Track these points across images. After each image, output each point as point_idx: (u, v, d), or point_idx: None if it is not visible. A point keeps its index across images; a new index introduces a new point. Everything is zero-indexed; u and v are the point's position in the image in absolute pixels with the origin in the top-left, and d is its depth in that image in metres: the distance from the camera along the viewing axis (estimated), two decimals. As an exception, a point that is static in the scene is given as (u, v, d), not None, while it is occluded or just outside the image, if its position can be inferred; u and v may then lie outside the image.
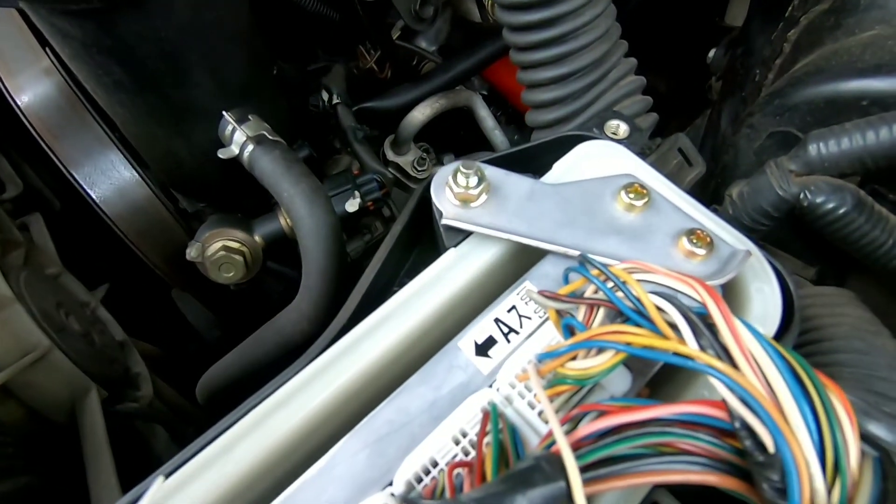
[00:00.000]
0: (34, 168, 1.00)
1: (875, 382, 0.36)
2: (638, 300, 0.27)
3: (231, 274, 0.63)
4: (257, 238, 0.64)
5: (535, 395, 0.28)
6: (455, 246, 0.35)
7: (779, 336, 0.33)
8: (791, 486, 0.21)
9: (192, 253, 0.62)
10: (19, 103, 0.59)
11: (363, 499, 0.26)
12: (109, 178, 0.60)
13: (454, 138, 0.93)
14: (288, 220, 0.65)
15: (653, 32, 0.99)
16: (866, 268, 0.46)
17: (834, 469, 0.21)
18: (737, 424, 0.23)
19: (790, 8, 0.57)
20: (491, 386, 0.29)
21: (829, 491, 0.21)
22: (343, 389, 0.31)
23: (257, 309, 0.74)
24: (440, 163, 0.88)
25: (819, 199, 0.36)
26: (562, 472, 0.21)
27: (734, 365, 0.24)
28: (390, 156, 0.84)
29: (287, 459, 0.30)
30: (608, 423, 0.23)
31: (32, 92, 0.59)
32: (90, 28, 0.41)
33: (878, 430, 0.30)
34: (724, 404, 0.24)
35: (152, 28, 0.43)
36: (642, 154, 0.42)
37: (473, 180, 0.34)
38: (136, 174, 0.61)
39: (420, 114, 0.79)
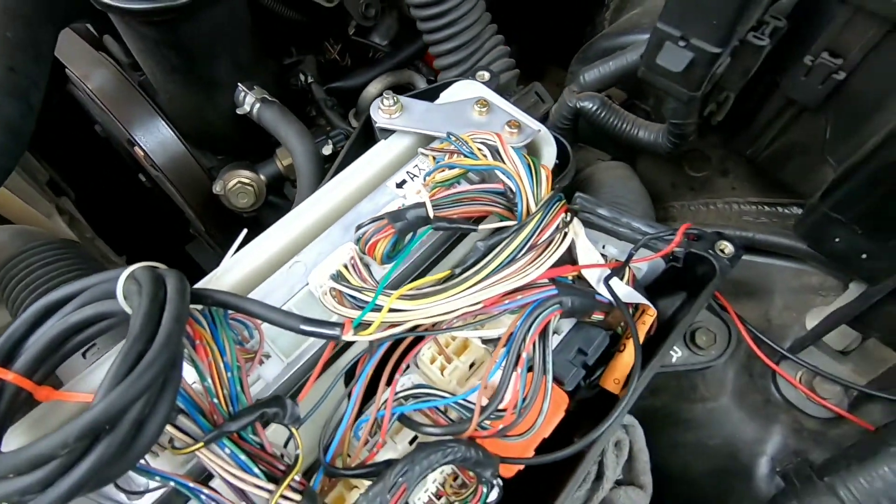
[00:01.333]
0: (51, 164, 1.25)
1: (619, 204, 0.66)
2: (468, 144, 0.55)
3: (245, 201, 0.90)
4: (262, 176, 0.91)
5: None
6: (385, 139, 0.63)
7: (557, 172, 0.62)
8: (519, 202, 0.49)
9: (216, 187, 0.89)
10: (90, 87, 0.85)
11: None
12: (156, 138, 0.87)
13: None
14: (283, 163, 0.92)
15: (545, 23, 1.29)
16: (647, 156, 0.76)
17: (535, 196, 0.50)
18: (504, 186, 0.51)
19: (606, -2, 0.87)
20: (404, 197, 0.57)
21: (531, 206, 0.50)
22: (325, 212, 0.58)
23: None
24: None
25: (583, 104, 0.66)
26: (424, 205, 0.49)
27: (504, 163, 0.52)
28: (353, 123, 1.11)
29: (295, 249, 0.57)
30: (447, 192, 0.52)
31: (97, 80, 0.86)
32: (162, 30, 0.68)
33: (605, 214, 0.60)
34: (503, 183, 0.52)
35: (199, 29, 0.70)
36: (498, 90, 0.71)
37: (391, 101, 0.62)
38: (175, 135, 0.88)
39: (373, 88, 1.07)
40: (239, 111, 0.79)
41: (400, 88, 1.14)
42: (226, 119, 0.84)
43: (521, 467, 0.46)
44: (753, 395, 0.59)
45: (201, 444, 0.36)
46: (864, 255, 0.45)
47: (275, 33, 1.10)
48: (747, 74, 0.45)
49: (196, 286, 0.52)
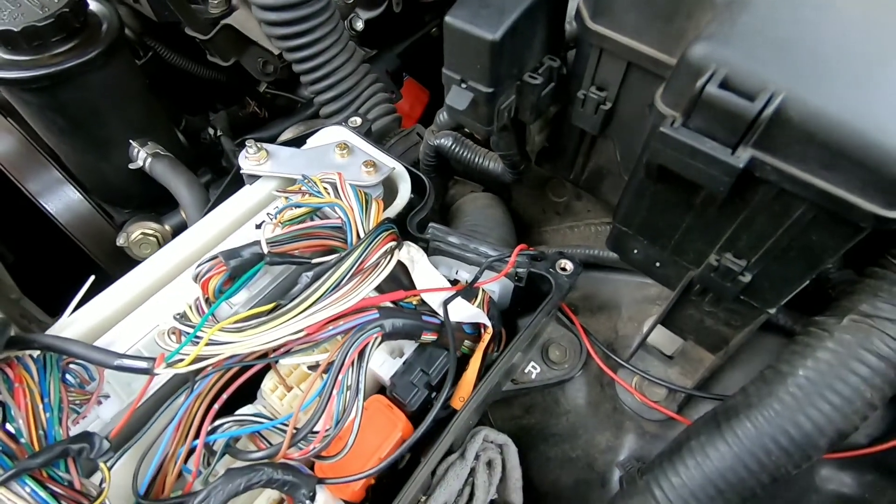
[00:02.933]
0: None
1: (478, 230, 0.70)
2: (317, 184, 0.59)
3: (149, 251, 0.92)
4: (166, 226, 0.94)
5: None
6: (251, 184, 0.67)
7: (414, 204, 0.66)
8: (349, 233, 0.53)
9: (120, 240, 0.92)
10: (-6, 154, 0.88)
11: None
12: (61, 199, 0.90)
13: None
14: (186, 213, 0.96)
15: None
16: (519, 186, 0.81)
17: (364, 227, 0.54)
18: (341, 220, 0.55)
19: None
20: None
21: (360, 236, 0.53)
22: (186, 255, 0.61)
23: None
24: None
25: (440, 141, 0.71)
26: (259, 242, 0.53)
27: (341, 199, 0.56)
28: (271, 171, 1.16)
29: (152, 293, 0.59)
30: (290, 230, 0.55)
31: (2, 146, 0.89)
32: (43, 97, 0.73)
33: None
34: (339, 219, 0.56)
35: (81, 95, 0.75)
36: (374, 133, 0.76)
37: (255, 149, 0.66)
38: (80, 194, 0.91)
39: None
40: (132, 166, 0.83)
41: (314, 136, 1.19)
42: (124, 174, 0.87)
43: (361, 490, 0.48)
44: (604, 405, 0.61)
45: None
46: (657, 264, 0.50)
47: (191, 90, 1.16)
48: (536, 108, 0.51)
49: (46, 332, 0.54)
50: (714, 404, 0.55)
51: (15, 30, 0.65)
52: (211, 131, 1.05)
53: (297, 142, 0.73)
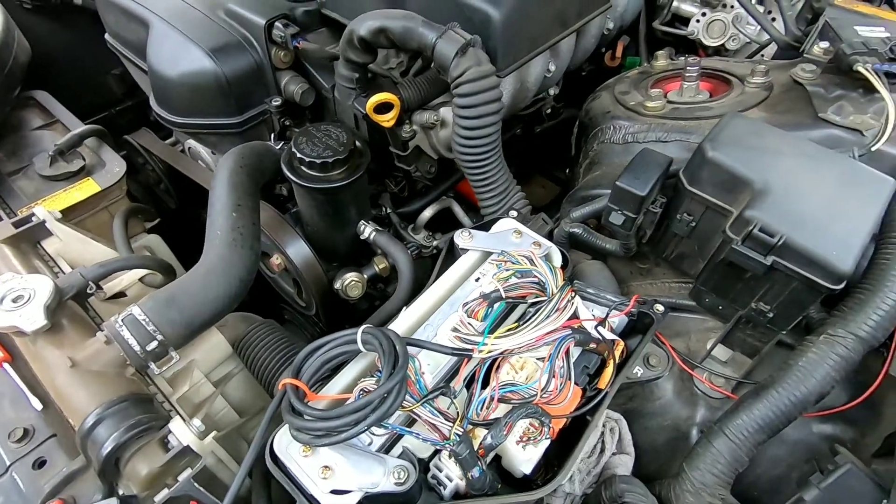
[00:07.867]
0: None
1: (596, 287, 1.13)
2: (515, 257, 1.03)
3: (356, 292, 1.36)
4: (365, 276, 1.38)
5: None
6: (464, 255, 1.11)
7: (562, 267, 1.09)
8: (547, 287, 0.96)
9: (337, 284, 1.35)
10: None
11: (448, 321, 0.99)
12: (297, 250, 1.34)
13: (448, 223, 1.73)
14: (378, 267, 1.40)
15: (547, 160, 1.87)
16: (612, 257, 1.25)
17: (555, 284, 0.97)
18: (538, 279, 0.98)
19: (581, 155, 1.42)
20: (481, 286, 1.03)
21: (553, 289, 0.96)
22: (436, 298, 1.04)
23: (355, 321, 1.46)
24: (435, 238, 1.66)
25: (574, 230, 1.16)
26: (499, 290, 0.95)
27: (537, 266, 0.99)
28: (414, 237, 1.61)
29: (424, 318, 1.02)
30: (508, 283, 0.98)
31: (265, 216, 1.34)
32: (327, 196, 1.18)
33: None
34: (537, 277, 0.99)
35: (345, 195, 1.20)
36: (523, 220, 1.21)
37: (467, 234, 1.11)
38: (310, 250, 1.35)
39: (428, 212, 1.59)
40: (362, 237, 1.28)
41: (443, 211, 1.65)
42: (346, 242, 1.32)
43: (565, 421, 0.89)
44: (684, 392, 1.02)
45: (418, 403, 0.79)
46: (720, 307, 0.92)
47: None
48: (653, 222, 0.95)
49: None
50: (751, 387, 0.96)
51: (329, 161, 1.12)
52: (383, 208, 1.51)
53: (483, 227, 1.18)
